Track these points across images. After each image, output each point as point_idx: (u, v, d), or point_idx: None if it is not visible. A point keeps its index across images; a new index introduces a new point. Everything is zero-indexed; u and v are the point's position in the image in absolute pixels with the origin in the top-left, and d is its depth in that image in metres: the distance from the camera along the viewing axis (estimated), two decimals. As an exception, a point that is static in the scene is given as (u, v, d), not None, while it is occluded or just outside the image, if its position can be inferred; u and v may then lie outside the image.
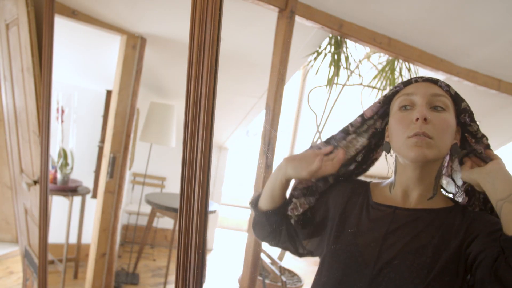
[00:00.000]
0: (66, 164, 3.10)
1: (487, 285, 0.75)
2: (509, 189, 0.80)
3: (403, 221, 0.89)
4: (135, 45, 2.89)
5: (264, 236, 1.08)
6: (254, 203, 1.06)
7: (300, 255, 1.09)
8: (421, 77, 0.94)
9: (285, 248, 1.09)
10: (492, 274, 0.74)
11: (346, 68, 3.07)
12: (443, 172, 0.98)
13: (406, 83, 0.95)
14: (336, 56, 2.99)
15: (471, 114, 0.93)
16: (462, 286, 0.81)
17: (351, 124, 1.02)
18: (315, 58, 3.03)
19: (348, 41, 2.94)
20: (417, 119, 0.86)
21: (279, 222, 1.03)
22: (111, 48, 3.08)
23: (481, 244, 0.80)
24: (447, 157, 0.98)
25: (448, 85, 0.92)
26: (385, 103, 0.98)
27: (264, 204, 1.03)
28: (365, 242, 0.89)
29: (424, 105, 0.88)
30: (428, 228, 0.86)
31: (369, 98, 3.11)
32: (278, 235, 1.05)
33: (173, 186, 4.71)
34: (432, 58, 2.85)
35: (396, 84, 0.99)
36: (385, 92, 1.00)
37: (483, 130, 0.96)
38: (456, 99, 0.93)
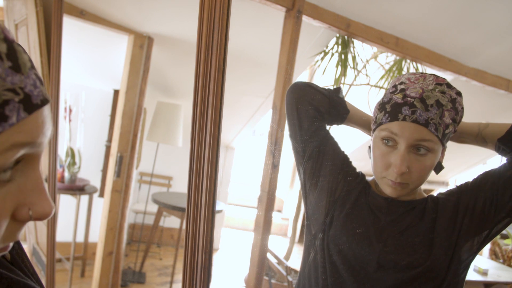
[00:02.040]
0: (74, 163, 3.13)
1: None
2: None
3: (399, 211, 0.97)
4: (143, 45, 2.90)
5: (312, 100, 1.05)
6: (339, 89, 1.11)
7: (305, 139, 1.07)
8: (412, 112, 0.86)
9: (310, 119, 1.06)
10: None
11: (353, 68, 3.06)
12: None
13: (393, 117, 0.88)
14: (343, 56, 2.99)
15: (448, 138, 0.94)
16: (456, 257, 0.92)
17: None
18: (322, 58, 3.02)
19: (355, 40, 2.93)
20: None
21: (331, 118, 1.07)
22: (119, 48, 3.09)
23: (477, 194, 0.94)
24: None
25: (438, 126, 0.86)
26: (373, 130, 0.98)
27: (349, 106, 1.09)
28: (369, 227, 0.97)
29: (405, 154, 0.87)
30: (419, 214, 0.96)
31: (376, 98, 3.10)
32: (320, 116, 1.05)
33: (180, 185, 4.73)
34: (440, 58, 2.83)
35: (384, 102, 0.93)
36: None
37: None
38: (443, 139, 0.89)
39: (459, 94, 0.92)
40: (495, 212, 0.90)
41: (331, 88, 1.11)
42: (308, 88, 1.05)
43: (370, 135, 1.07)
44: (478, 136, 0.98)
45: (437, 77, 0.92)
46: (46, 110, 0.40)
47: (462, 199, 0.95)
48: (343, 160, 1.08)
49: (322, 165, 1.06)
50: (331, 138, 1.09)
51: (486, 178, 0.94)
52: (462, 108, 0.92)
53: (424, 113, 0.85)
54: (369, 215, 0.99)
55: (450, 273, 0.90)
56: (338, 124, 1.10)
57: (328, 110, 1.04)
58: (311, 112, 1.03)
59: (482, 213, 0.91)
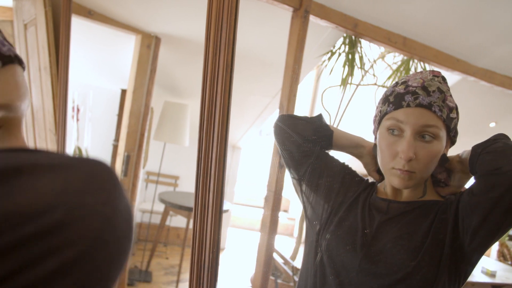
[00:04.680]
0: (81, 162, 3.14)
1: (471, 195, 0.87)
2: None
3: (397, 212, 0.97)
4: (150, 45, 2.91)
5: (302, 132, 1.10)
6: (321, 115, 1.16)
7: (299, 174, 1.11)
8: (415, 98, 0.89)
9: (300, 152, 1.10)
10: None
11: (361, 68, 3.05)
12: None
13: (397, 105, 0.91)
14: (350, 56, 2.98)
15: (456, 128, 0.94)
16: (448, 267, 0.88)
17: None
18: (329, 58, 3.01)
19: (362, 40, 2.92)
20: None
21: (317, 141, 1.10)
22: (126, 48, 3.11)
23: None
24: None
25: (442, 107, 0.89)
26: (378, 122, 1.00)
27: (332, 127, 1.13)
28: (363, 228, 0.97)
29: (411, 140, 0.88)
30: (418, 217, 0.94)
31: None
32: (307, 141, 1.09)
33: (186, 185, 4.74)
34: (448, 58, 2.81)
35: (387, 95, 0.96)
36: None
37: (499, 131, 0.97)
38: (448, 122, 0.90)
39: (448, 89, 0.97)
40: (466, 233, 0.87)
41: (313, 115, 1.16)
42: (291, 120, 1.13)
43: (357, 158, 1.13)
44: (461, 161, 0.97)
45: (433, 71, 0.96)
46: (20, 74, 0.40)
47: (455, 209, 0.92)
48: (343, 168, 1.11)
49: (318, 178, 1.09)
50: (327, 154, 1.13)
51: (462, 197, 0.91)
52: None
53: (426, 97, 0.89)
54: (366, 217, 0.99)
55: (436, 283, 0.86)
56: (327, 148, 1.13)
57: (313, 135, 1.10)
58: (298, 139, 1.10)
59: (458, 232, 0.89)
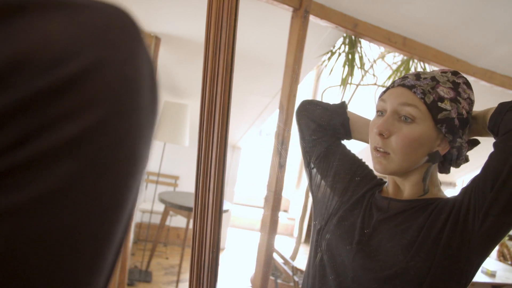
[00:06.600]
0: (81, 162, 3.14)
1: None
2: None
3: (396, 210, 0.95)
4: (150, 45, 2.91)
5: (315, 115, 1.10)
6: (344, 103, 1.14)
7: (309, 156, 1.12)
8: (401, 80, 0.91)
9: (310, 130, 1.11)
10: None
11: (360, 68, 3.05)
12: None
13: (387, 89, 0.95)
14: (350, 56, 2.98)
15: (449, 125, 0.87)
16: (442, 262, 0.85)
17: None
18: (329, 58, 3.02)
19: (362, 40, 2.92)
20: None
21: (334, 129, 1.10)
22: (126, 48, 3.11)
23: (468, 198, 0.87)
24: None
25: (427, 92, 0.86)
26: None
27: (350, 113, 1.11)
28: (361, 227, 0.96)
29: (389, 117, 0.87)
30: (414, 214, 0.92)
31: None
32: (321, 128, 1.09)
33: (186, 185, 4.74)
34: (448, 57, 2.81)
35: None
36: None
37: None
38: (432, 109, 0.85)
39: (466, 84, 0.92)
40: (476, 216, 0.83)
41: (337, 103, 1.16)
42: (309, 105, 1.13)
43: None
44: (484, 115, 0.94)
45: (444, 69, 0.97)
46: None
47: (457, 203, 0.88)
48: (353, 162, 1.09)
49: (328, 168, 1.09)
50: (339, 145, 1.11)
51: (472, 181, 0.88)
52: (469, 98, 0.91)
53: (414, 81, 0.88)
54: (366, 215, 0.98)
55: (428, 279, 0.83)
56: (347, 137, 1.12)
57: (328, 122, 1.09)
58: (312, 125, 1.10)
59: (465, 221, 0.85)
